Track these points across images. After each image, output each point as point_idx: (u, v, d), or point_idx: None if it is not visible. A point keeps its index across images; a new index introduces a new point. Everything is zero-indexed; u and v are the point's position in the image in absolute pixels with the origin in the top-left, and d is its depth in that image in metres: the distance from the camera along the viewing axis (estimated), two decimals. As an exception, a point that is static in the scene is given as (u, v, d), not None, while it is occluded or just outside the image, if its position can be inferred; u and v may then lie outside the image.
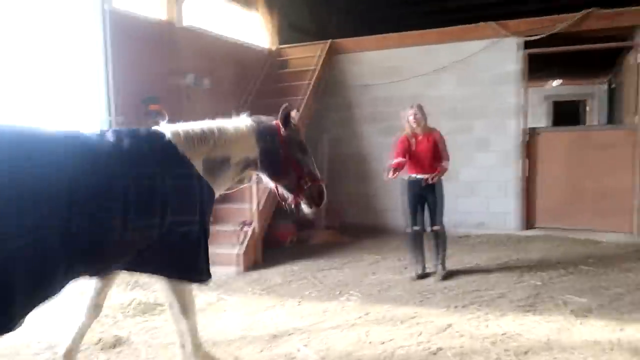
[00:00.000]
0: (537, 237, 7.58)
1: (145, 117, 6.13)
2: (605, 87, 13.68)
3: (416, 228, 5.81)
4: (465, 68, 7.88)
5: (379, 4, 11.54)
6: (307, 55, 8.65)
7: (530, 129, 7.87)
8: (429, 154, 5.58)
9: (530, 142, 7.77)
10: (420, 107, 5.69)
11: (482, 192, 7.84)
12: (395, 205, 7.18)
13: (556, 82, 14.28)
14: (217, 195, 3.20)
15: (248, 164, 3.34)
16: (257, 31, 9.16)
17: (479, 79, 7.84)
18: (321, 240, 7.77)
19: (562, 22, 7.23)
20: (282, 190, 3.50)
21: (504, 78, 7.70)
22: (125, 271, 3.08)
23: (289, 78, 8.58)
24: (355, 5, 11.71)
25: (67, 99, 5.48)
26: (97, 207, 2.48)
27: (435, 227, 5.78)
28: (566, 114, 16.65)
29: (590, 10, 7.14)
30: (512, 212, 7.87)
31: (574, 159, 7.61)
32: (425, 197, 5.72)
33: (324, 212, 8.08)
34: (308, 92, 7.81)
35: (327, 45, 8.54)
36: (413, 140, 5.64)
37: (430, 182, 5.54)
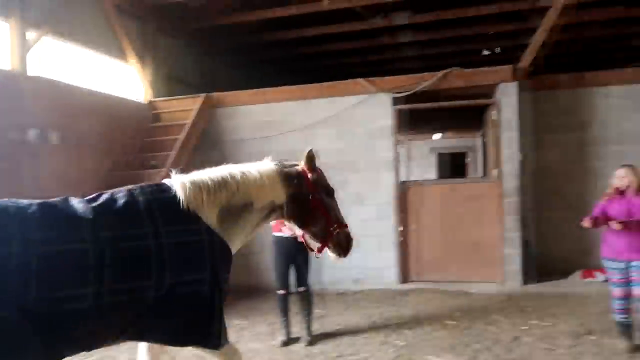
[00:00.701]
0: (411, 291, 7.58)
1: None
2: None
3: (283, 291, 5.53)
4: (341, 123, 7.96)
5: (260, 59, 11.63)
6: (183, 109, 8.32)
7: (402, 182, 8.01)
8: None
9: (403, 196, 7.88)
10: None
11: (359, 246, 7.73)
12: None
13: (437, 136, 15.03)
14: (240, 244, 3.03)
15: (273, 209, 3.12)
16: (129, 83, 8.72)
17: (355, 133, 7.93)
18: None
19: (426, 80, 7.54)
20: (308, 237, 3.29)
21: (378, 133, 7.83)
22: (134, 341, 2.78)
23: (161, 132, 8.17)
24: (240, 59, 11.70)
25: None
26: (55, 278, 2.26)
27: (301, 289, 5.52)
28: (452, 165, 17.62)
29: (450, 69, 7.54)
30: (389, 266, 7.85)
31: (445, 211, 7.79)
32: (294, 256, 5.48)
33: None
34: (177, 147, 7.43)
35: (203, 98, 8.28)
36: None
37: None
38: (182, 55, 10.29)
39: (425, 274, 7.86)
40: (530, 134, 8.22)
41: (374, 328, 5.93)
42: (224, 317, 2.77)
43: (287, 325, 5.58)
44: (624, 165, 4.91)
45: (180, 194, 2.71)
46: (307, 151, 3.25)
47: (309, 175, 3.19)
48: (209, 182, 2.86)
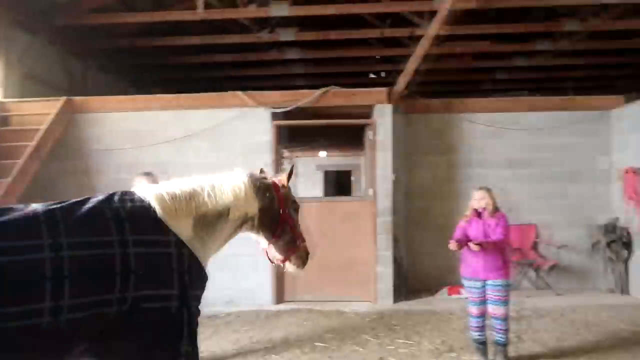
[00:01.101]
0: (286, 311, 7.38)
1: None
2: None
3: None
4: (218, 136, 7.62)
5: (137, 65, 10.96)
6: (39, 113, 7.45)
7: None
8: None
9: (280, 213, 7.69)
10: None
11: (232, 266, 7.42)
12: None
13: (323, 153, 15.19)
14: (212, 255, 2.89)
15: (245, 221, 3.06)
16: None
17: (232, 148, 7.62)
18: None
19: (305, 97, 7.50)
20: (273, 250, 3.26)
21: (256, 148, 7.60)
22: None
23: (11, 137, 7.24)
24: (115, 63, 10.90)
25: None
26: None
27: None
28: (338, 183, 17.94)
29: (328, 88, 7.58)
30: (263, 286, 7.60)
31: (322, 229, 7.71)
32: None
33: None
34: (27, 155, 6.61)
35: (62, 102, 7.49)
36: None
37: None
38: (45, 54, 9.27)
39: (301, 294, 7.72)
40: (404, 155, 8.51)
41: (241, 354, 5.63)
42: (196, 338, 2.53)
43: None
44: (481, 188, 5.16)
45: (157, 204, 2.56)
46: (290, 167, 3.45)
47: (280, 189, 3.21)
48: (185, 191, 2.75)
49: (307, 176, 18.87)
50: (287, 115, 7.68)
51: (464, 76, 12.21)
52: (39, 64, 9.06)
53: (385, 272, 7.64)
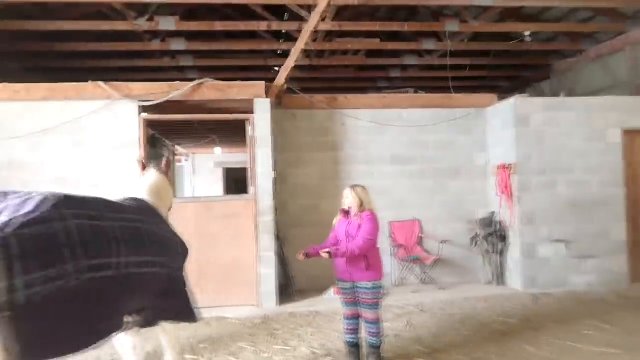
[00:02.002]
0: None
1: None
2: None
3: None
4: (79, 131, 6.86)
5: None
6: None
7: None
8: None
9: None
10: None
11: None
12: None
13: (218, 150, 14.62)
14: None
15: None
16: None
17: (98, 143, 6.91)
18: None
19: (176, 90, 6.95)
20: None
21: (125, 143, 6.94)
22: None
23: None
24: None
25: None
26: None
27: None
28: (238, 181, 17.36)
29: (203, 80, 7.10)
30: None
31: (200, 230, 7.25)
32: None
33: None
34: None
35: None
36: None
37: None
38: None
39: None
40: (289, 152, 8.25)
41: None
42: None
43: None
44: (352, 186, 4.97)
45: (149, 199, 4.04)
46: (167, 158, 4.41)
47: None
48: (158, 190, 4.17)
49: (205, 174, 18.14)
50: (161, 109, 7.10)
51: (359, 74, 12.23)
52: None
53: (268, 274, 7.32)
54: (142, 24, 8.71)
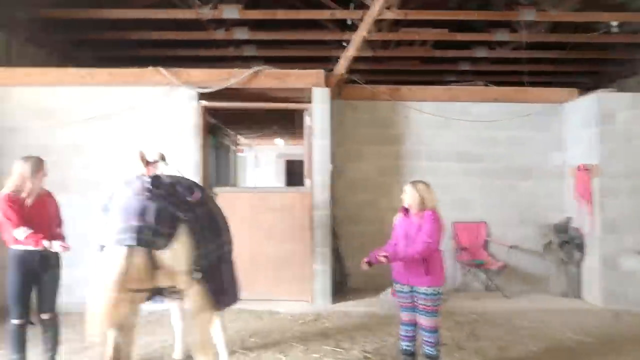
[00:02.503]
0: (213, 311, 6.71)
1: None
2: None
3: (18, 321, 4.30)
4: (138, 116, 6.86)
5: (68, 39, 10.04)
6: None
7: (209, 189, 7.14)
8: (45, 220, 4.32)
9: (210, 204, 7.02)
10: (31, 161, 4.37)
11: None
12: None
13: (280, 141, 14.51)
14: None
15: None
16: None
17: (154, 129, 6.88)
18: None
19: (234, 77, 6.79)
20: None
21: (181, 130, 6.88)
22: None
23: None
24: (44, 37, 9.95)
25: None
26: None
27: (46, 315, 4.38)
28: (300, 173, 17.23)
29: (260, 67, 6.90)
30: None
31: (254, 222, 7.08)
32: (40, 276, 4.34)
33: None
34: None
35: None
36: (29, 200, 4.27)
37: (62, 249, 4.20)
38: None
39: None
40: (348, 144, 7.92)
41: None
42: None
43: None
44: (412, 182, 4.57)
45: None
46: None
47: None
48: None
49: (268, 166, 18.17)
50: (219, 96, 6.97)
51: (425, 66, 11.66)
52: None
53: (322, 270, 7.03)
54: (206, 13, 8.65)
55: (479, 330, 5.99)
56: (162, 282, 3.51)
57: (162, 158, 4.76)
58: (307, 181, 7.09)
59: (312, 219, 6.99)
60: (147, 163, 4.56)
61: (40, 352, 4.55)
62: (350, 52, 7.14)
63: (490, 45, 10.40)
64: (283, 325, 6.20)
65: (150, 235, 3.34)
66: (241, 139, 15.40)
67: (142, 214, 3.38)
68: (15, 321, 4.30)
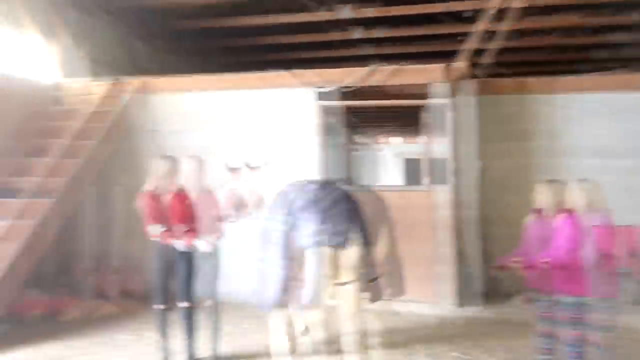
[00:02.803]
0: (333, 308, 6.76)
1: None
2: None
3: (162, 306, 4.70)
4: (263, 118, 7.19)
5: (200, 47, 10.82)
6: (90, 94, 7.44)
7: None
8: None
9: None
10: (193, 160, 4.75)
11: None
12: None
13: (398, 140, 14.31)
14: None
15: None
16: (31, 61, 7.76)
17: (277, 130, 7.16)
18: (83, 314, 6.34)
19: (353, 76, 6.81)
20: None
21: (302, 131, 7.07)
22: None
23: (63, 117, 7.28)
24: (176, 45, 10.85)
25: None
26: None
27: (183, 304, 4.71)
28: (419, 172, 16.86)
29: (374, 66, 6.84)
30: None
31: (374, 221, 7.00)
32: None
33: (96, 279, 6.77)
34: (71, 135, 6.57)
35: (111, 83, 7.42)
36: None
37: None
38: (108, 37, 9.37)
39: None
40: (473, 141, 7.53)
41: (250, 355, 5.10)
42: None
43: (167, 347, 4.75)
44: (548, 181, 4.19)
45: None
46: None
47: None
48: None
49: (386, 165, 18.04)
50: (337, 96, 7.05)
51: (554, 56, 10.78)
52: (102, 46, 9.15)
53: (447, 272, 6.76)
54: (322, 14, 8.83)
55: (627, 350, 5.31)
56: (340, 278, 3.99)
57: (248, 165, 4.92)
58: (425, 180, 6.89)
59: (434, 218, 6.77)
60: (233, 170, 4.86)
61: (180, 338, 4.86)
62: (472, 43, 6.81)
63: (629, 28, 9.23)
64: (405, 327, 6.08)
65: (341, 235, 3.89)
66: (360, 138, 15.47)
67: (332, 217, 3.88)
68: (156, 306, 4.69)
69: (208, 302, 4.82)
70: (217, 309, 4.86)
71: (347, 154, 13.80)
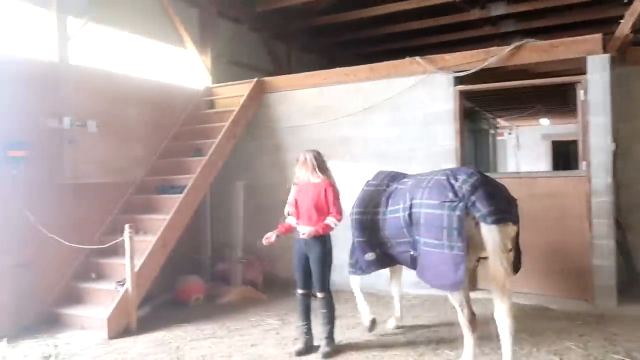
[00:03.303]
0: (480, 301, 6.45)
1: (4, 165, 5.57)
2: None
3: (301, 291, 4.96)
4: (396, 107, 7.08)
5: (335, 42, 11.02)
6: (236, 95, 8.03)
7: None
8: (312, 206, 4.79)
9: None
10: (309, 153, 4.92)
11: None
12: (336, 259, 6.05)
13: (545, 121, 13.16)
14: None
15: None
16: (187, 69, 8.65)
17: (412, 119, 6.99)
18: (234, 298, 6.94)
19: (492, 56, 6.35)
20: None
21: (438, 118, 6.83)
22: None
23: (214, 119, 7.96)
24: (313, 42, 11.19)
25: None
26: None
27: (318, 294, 4.90)
28: (566, 155, 15.42)
29: (521, 42, 6.26)
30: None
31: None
32: (308, 256, 4.89)
33: (243, 265, 7.31)
34: (221, 134, 7.14)
35: (253, 83, 7.90)
36: (304, 189, 4.90)
37: (305, 237, 4.73)
38: (249, 40, 10.05)
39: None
40: (635, 119, 6.64)
41: (411, 343, 5.11)
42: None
43: (306, 331, 5.00)
44: None
45: None
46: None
47: None
48: None
49: (530, 148, 16.77)
50: (477, 78, 6.67)
51: None
52: (244, 50, 9.87)
53: (604, 266, 6.07)
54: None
55: None
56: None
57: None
58: (582, 164, 6.22)
59: (589, 207, 6.11)
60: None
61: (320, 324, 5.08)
62: (638, 5, 5.93)
63: None
64: (556, 325, 5.58)
65: (512, 212, 4.34)
66: (500, 122, 14.59)
67: (501, 196, 4.29)
68: (297, 291, 4.96)
69: (319, 295, 4.92)
70: (327, 301, 4.95)
71: (486, 139, 13.10)
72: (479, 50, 6.56)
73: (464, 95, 6.83)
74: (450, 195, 4.18)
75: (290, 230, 4.98)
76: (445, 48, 10.37)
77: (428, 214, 4.26)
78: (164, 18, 8.16)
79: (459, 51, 6.83)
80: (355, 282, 5.44)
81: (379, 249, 4.89)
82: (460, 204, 4.09)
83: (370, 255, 4.93)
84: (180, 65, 8.54)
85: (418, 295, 6.76)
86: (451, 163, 6.74)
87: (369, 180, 5.14)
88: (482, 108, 10.86)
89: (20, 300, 5.72)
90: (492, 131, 14.08)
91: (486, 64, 6.36)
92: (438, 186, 4.30)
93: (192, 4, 8.60)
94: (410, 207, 4.42)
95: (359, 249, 4.99)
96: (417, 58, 6.76)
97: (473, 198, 4.09)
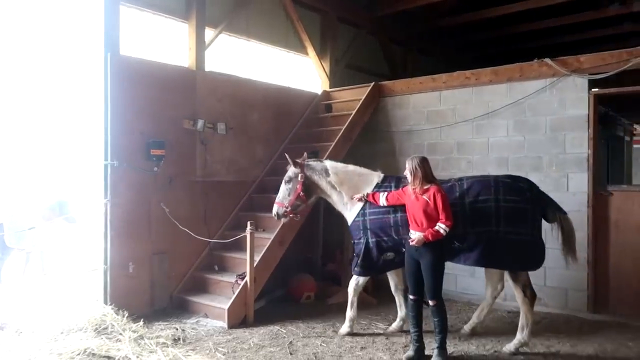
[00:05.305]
0: (605, 323, 5.93)
1: (147, 162, 6.20)
2: None
3: (412, 297, 4.91)
4: (521, 112, 6.68)
5: (455, 44, 10.70)
6: (353, 99, 8.14)
7: (600, 187, 6.33)
8: (421, 212, 4.73)
9: (602, 204, 6.23)
10: (417, 159, 4.86)
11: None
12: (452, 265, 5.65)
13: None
14: None
15: None
16: (308, 75, 8.95)
17: (538, 124, 6.55)
18: (344, 299, 7.02)
19: (635, 57, 5.74)
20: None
21: (567, 124, 6.33)
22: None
23: (332, 122, 8.14)
24: (430, 45, 10.97)
25: (67, 141, 5.74)
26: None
27: (430, 302, 4.81)
28: None
29: (673, 40, 5.60)
30: (577, 289, 6.31)
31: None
32: (419, 263, 4.84)
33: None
34: (337, 137, 7.27)
35: (370, 87, 7.94)
36: (412, 195, 4.85)
37: (413, 243, 4.68)
38: (367, 44, 10.14)
39: (628, 305, 6.11)
40: None
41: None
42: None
43: (417, 338, 4.94)
44: None
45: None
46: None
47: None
48: None
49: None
50: (615, 81, 6.08)
51: None
52: (361, 54, 9.99)
53: None
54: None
55: None
56: None
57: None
58: None
59: None
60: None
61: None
62: None
63: None
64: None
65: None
66: (637, 128, 13.10)
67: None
68: (409, 296, 4.91)
69: (430, 302, 4.78)
70: (438, 310, 4.79)
71: (622, 147, 11.85)
72: (620, 50, 5.96)
73: (599, 100, 6.28)
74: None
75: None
76: (571, 49, 9.68)
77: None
78: (287, 25, 8.54)
79: (590, 52, 6.27)
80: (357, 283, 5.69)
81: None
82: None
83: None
84: (300, 70, 8.86)
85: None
86: (582, 172, 6.25)
87: (378, 182, 5.54)
88: (618, 112, 9.84)
89: (155, 285, 6.34)
90: (627, 138, 12.69)
91: (628, 65, 5.76)
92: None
93: (314, 10, 8.88)
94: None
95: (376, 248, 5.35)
96: (548, 60, 6.31)
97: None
